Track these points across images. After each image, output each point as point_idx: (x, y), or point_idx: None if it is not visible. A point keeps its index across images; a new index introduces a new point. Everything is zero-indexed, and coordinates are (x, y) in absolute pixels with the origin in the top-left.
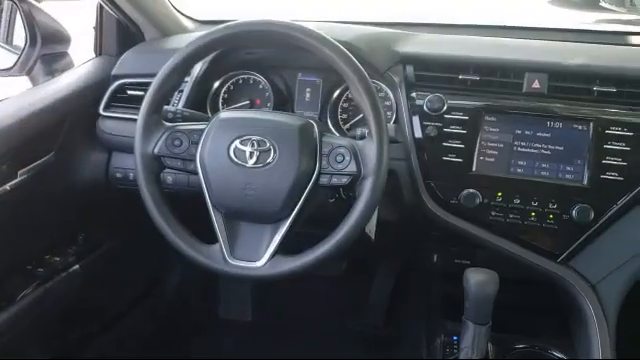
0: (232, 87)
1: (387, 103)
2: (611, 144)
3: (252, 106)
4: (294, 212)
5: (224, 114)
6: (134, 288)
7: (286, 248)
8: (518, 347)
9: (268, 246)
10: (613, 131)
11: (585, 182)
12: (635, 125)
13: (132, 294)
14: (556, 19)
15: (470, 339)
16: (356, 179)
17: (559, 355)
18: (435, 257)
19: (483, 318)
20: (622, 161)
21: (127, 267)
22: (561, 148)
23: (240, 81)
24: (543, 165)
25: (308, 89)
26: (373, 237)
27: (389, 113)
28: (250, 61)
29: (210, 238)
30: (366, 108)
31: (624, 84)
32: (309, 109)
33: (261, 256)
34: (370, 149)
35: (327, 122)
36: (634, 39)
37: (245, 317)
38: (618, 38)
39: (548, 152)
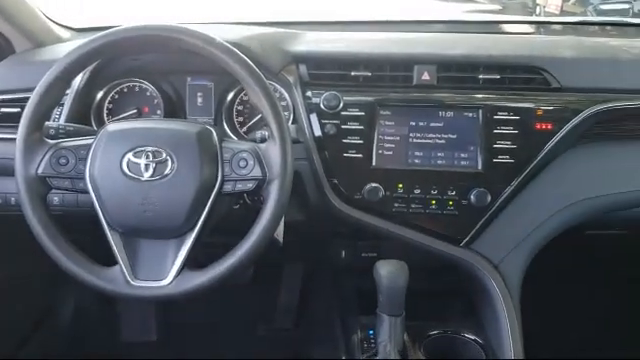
0: (117, 96)
1: (283, 104)
2: (500, 129)
3: (140, 115)
4: (199, 224)
5: (112, 126)
6: (24, 323)
7: (193, 262)
8: (432, 333)
9: (174, 262)
10: (500, 116)
11: (480, 167)
12: (520, 109)
13: (22, 330)
14: (439, 11)
15: (387, 332)
16: (262, 183)
17: (471, 336)
18: (343, 253)
19: (397, 309)
20: (512, 144)
21: (15, 301)
22: (454, 136)
23: (125, 89)
24: (439, 154)
25: (199, 93)
26: (281, 240)
27: (286, 113)
28: (135, 68)
29: (110, 260)
30: (265, 110)
31: (506, 71)
32: (203, 114)
33: (166, 274)
34: (274, 152)
35: (223, 126)
36: (513, 28)
37: (150, 337)
38: (498, 27)
39: (443, 141)
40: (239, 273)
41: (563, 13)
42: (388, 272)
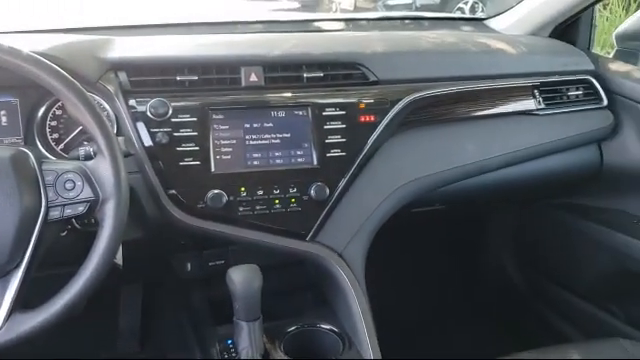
0: None
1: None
2: (329, 124)
3: None
4: (25, 260)
5: None
6: None
7: (24, 302)
8: (290, 330)
9: (0, 306)
10: (328, 112)
11: (315, 163)
12: (344, 104)
13: None
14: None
15: (246, 338)
16: (95, 205)
17: (327, 326)
18: (189, 265)
19: (254, 314)
20: (341, 138)
21: None
22: (288, 135)
23: None
24: (276, 154)
25: (3, 112)
26: (121, 263)
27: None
28: None
29: None
30: (90, 124)
31: (327, 68)
32: (9, 135)
33: None
34: (104, 168)
35: (37, 146)
36: (328, 25)
37: None
38: (317, 26)
39: (278, 141)
40: (78, 307)
41: (357, 9)
42: (242, 278)
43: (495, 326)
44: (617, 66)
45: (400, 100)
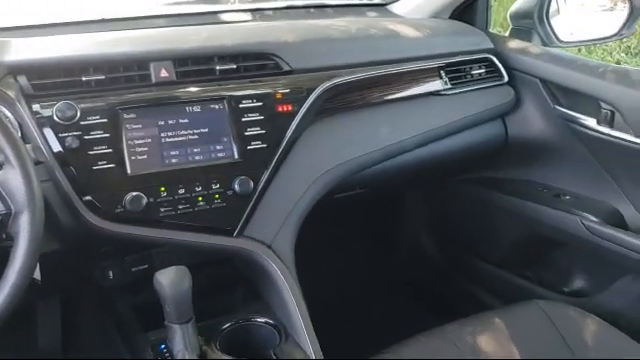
0: None
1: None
2: (247, 117)
3: None
4: None
5: None
6: None
7: None
8: (224, 328)
9: None
10: (245, 104)
11: (236, 156)
12: (261, 95)
13: None
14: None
15: (181, 341)
16: (6, 219)
17: (262, 320)
18: (110, 273)
19: (186, 315)
20: (261, 129)
21: None
22: (206, 130)
23: None
24: (195, 150)
25: None
26: (39, 278)
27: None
28: None
29: None
30: None
31: (239, 60)
32: None
33: None
34: (14, 179)
35: None
36: (239, 16)
37: None
38: (226, 17)
39: (196, 137)
40: None
41: None
42: (171, 280)
43: (419, 301)
44: (514, 44)
45: (315, 88)
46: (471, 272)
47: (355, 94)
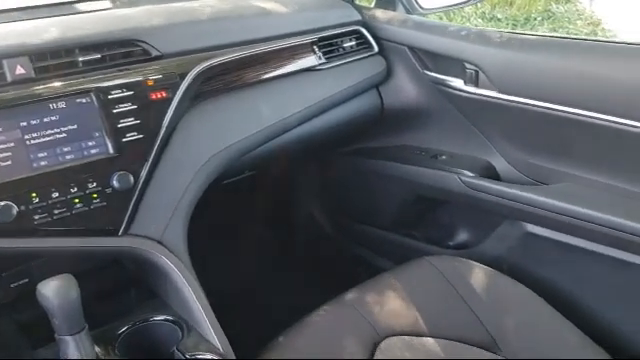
0: None
1: None
2: (118, 108)
3: None
4: None
5: None
6: None
7: None
8: (122, 331)
9: None
10: (115, 95)
11: (112, 151)
12: (131, 84)
13: None
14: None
15: (75, 352)
16: None
17: (160, 317)
18: None
19: (78, 325)
20: (135, 120)
21: None
22: (75, 127)
23: None
24: (65, 149)
25: None
26: None
27: None
28: None
29: None
30: None
31: (104, 49)
32: None
33: None
34: None
35: None
36: (99, 5)
37: None
38: (85, 7)
39: (64, 135)
40: None
41: None
42: (55, 291)
43: (317, 273)
44: (380, 14)
45: (189, 72)
46: (363, 239)
47: (232, 75)
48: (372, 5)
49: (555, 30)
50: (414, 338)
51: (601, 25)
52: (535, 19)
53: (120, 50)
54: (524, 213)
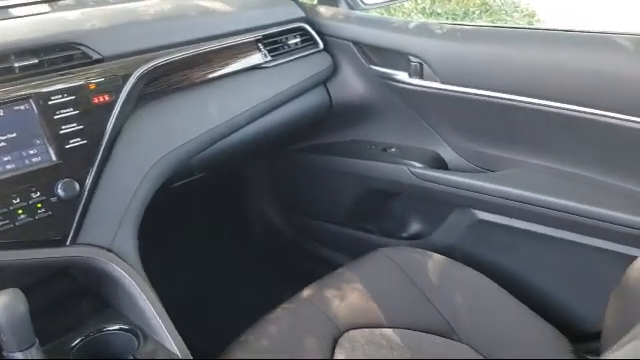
0: None
1: None
2: (60, 113)
3: None
4: None
5: None
6: None
7: None
8: (75, 344)
9: None
10: (55, 100)
11: (55, 158)
12: (72, 89)
13: None
14: None
15: None
16: None
17: (115, 327)
18: None
19: (28, 340)
20: (78, 125)
21: None
22: (14, 135)
23: None
24: (5, 159)
25: None
26: None
27: None
28: None
29: None
30: None
31: (41, 54)
32: None
33: None
34: None
35: None
36: (35, 9)
37: None
38: (20, 11)
39: (3, 144)
40: None
41: None
42: (2, 306)
43: (274, 272)
44: (323, 10)
45: (132, 74)
46: (319, 235)
47: (177, 75)
48: (315, 2)
49: (493, 22)
50: (374, 330)
51: (536, 16)
52: (474, 12)
53: (59, 54)
54: (473, 200)
